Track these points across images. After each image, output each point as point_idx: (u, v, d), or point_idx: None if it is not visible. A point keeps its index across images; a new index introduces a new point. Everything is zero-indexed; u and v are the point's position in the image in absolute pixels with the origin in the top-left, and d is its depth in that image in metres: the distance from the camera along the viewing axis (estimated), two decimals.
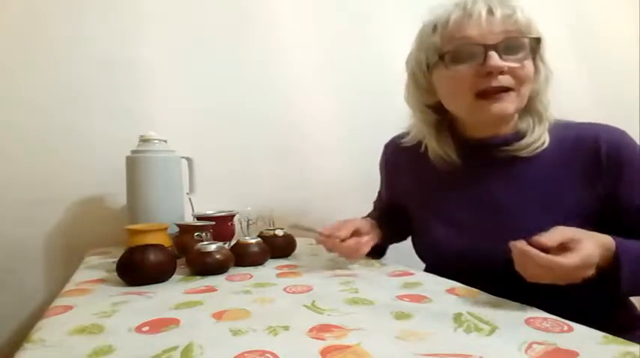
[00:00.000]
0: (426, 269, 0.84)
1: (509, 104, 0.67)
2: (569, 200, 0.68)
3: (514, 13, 0.66)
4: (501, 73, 0.65)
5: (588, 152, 0.68)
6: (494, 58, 0.64)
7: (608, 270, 0.57)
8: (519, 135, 0.71)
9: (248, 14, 1.24)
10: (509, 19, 0.65)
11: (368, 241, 0.79)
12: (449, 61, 0.68)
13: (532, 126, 0.71)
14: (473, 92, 0.67)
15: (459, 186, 0.77)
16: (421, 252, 0.86)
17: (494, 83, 0.66)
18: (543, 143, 0.70)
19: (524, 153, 0.70)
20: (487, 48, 0.64)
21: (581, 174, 0.68)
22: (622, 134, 0.69)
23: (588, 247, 0.53)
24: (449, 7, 0.69)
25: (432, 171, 0.80)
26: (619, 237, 0.59)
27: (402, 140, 0.87)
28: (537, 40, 0.67)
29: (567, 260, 0.52)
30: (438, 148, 0.78)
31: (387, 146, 0.95)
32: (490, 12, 0.66)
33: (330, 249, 0.81)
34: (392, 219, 0.90)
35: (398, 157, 0.91)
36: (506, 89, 0.66)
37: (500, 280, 0.59)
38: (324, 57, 1.30)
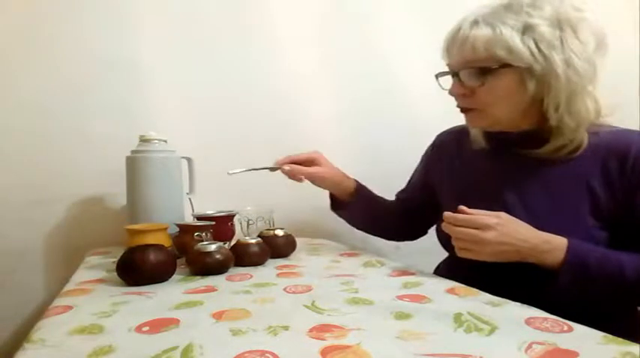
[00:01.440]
0: (447, 259, 0.89)
1: (475, 120, 0.76)
2: (587, 201, 0.68)
3: (476, 39, 0.68)
4: (464, 95, 0.73)
5: (617, 157, 0.67)
6: (452, 85, 0.74)
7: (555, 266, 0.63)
8: (543, 132, 0.71)
9: (248, 14, 1.24)
10: (467, 46, 0.69)
11: (304, 171, 0.92)
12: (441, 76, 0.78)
13: (562, 129, 0.69)
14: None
15: (482, 174, 0.80)
16: (442, 239, 0.86)
17: (460, 103, 0.76)
18: (577, 148, 0.69)
19: (554, 156, 0.71)
20: (453, 74, 0.74)
21: (604, 177, 0.67)
22: None
23: (512, 228, 0.63)
24: (453, 26, 0.74)
25: (466, 157, 0.85)
26: (580, 242, 0.64)
27: (452, 130, 0.94)
28: (501, 63, 0.67)
29: (484, 234, 0.61)
30: (475, 133, 0.83)
31: (438, 135, 0.98)
32: (460, 40, 0.70)
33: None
34: (405, 210, 0.98)
35: (443, 146, 0.94)
36: (471, 109, 0.74)
37: (511, 273, 0.63)
38: (324, 57, 1.30)
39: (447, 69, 0.77)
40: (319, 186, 0.97)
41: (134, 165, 0.96)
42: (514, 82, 0.69)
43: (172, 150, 1.00)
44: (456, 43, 0.71)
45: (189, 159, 1.05)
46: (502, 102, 0.71)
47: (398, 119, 1.33)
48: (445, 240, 0.86)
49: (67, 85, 1.09)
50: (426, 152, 1.00)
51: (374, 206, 1.00)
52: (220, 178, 1.16)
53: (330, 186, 0.97)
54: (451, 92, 0.74)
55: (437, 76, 0.78)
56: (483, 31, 0.67)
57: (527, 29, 0.66)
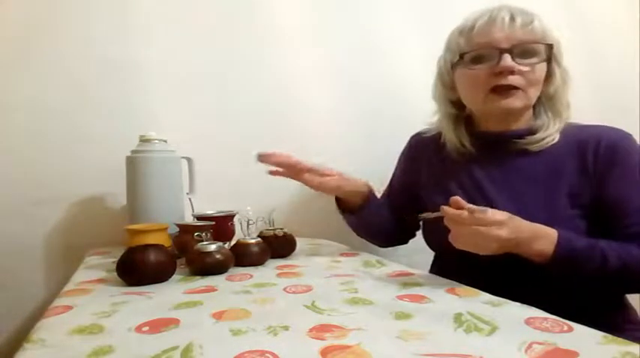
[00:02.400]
0: (435, 260, 0.91)
1: (516, 101, 0.76)
2: (567, 191, 0.74)
3: (532, 21, 0.75)
4: (512, 73, 0.74)
5: (589, 148, 0.74)
6: (506, 60, 0.74)
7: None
8: (532, 131, 0.79)
9: (248, 15, 1.24)
10: (526, 27, 0.74)
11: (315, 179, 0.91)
12: (468, 60, 0.78)
13: (547, 123, 0.79)
14: (487, 88, 0.77)
15: (470, 176, 0.84)
16: (430, 240, 0.91)
17: (505, 81, 0.75)
18: (553, 139, 0.77)
19: (533, 148, 0.77)
20: (502, 51, 0.74)
21: (579, 168, 0.74)
22: (625, 137, 0.75)
23: (517, 223, 0.65)
24: (478, 13, 0.78)
25: (448, 162, 0.88)
26: (568, 232, 0.67)
27: (426, 134, 0.97)
28: (550, 47, 0.76)
29: (498, 230, 0.63)
30: (455, 139, 0.86)
31: (412, 137, 1.04)
32: (512, 19, 0.75)
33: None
34: (391, 209, 1.00)
35: (421, 148, 0.99)
36: (515, 87, 0.75)
37: (501, 269, 0.67)
38: (324, 57, 1.30)
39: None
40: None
41: (134, 165, 0.96)
42: (544, 69, 0.77)
43: (172, 150, 1.00)
44: (510, 21, 0.75)
45: (189, 159, 1.05)
46: (537, 86, 0.77)
47: (397, 117, 1.33)
48: (435, 241, 0.88)
49: (67, 85, 1.09)
50: (403, 153, 1.04)
51: (380, 213, 0.98)
52: (220, 178, 1.16)
53: (343, 193, 0.95)
54: (504, 67, 0.74)
55: (462, 55, 0.79)
56: (539, 21, 0.76)
57: (547, 30, 0.77)
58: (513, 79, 0.75)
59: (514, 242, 0.65)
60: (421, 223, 0.97)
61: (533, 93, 0.77)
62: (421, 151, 0.97)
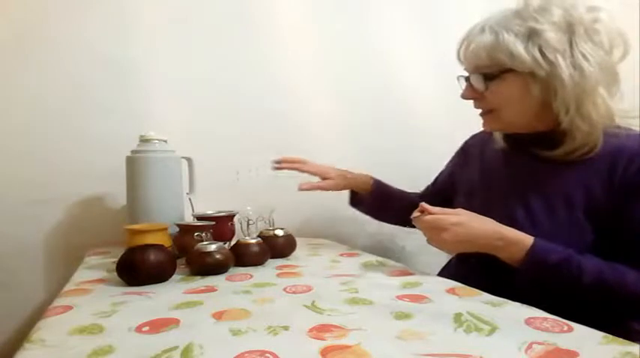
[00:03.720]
0: (453, 259, 0.91)
1: (489, 123, 0.78)
2: (584, 201, 0.67)
3: (479, 46, 0.71)
4: (476, 98, 0.76)
5: (624, 161, 0.65)
6: (464, 89, 0.77)
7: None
8: (552, 135, 0.71)
9: (248, 14, 1.24)
10: (474, 53, 0.72)
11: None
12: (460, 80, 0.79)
13: (574, 133, 0.68)
14: None
15: (502, 177, 0.81)
16: None
17: (474, 107, 0.78)
18: (590, 151, 0.68)
19: (568, 158, 0.70)
20: (465, 78, 0.76)
21: (608, 178, 0.66)
22: None
23: (467, 227, 0.68)
24: (462, 35, 0.77)
25: (489, 162, 0.86)
26: (547, 243, 0.65)
27: (481, 132, 0.93)
28: (503, 67, 0.69)
29: (442, 234, 0.68)
30: (497, 136, 0.84)
31: (467, 139, 0.99)
32: (467, 47, 0.74)
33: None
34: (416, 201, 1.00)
35: (471, 148, 0.95)
36: (487, 111, 0.76)
37: (505, 279, 0.64)
38: (324, 57, 1.30)
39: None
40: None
41: (134, 165, 0.96)
42: (518, 86, 0.70)
43: (172, 150, 1.00)
44: (465, 50, 0.75)
45: (189, 159, 1.05)
46: (510, 106, 0.72)
47: (397, 118, 1.33)
48: None
49: (67, 85, 1.09)
50: (453, 157, 1.01)
51: (392, 200, 1.03)
52: (220, 178, 1.16)
53: (346, 188, 1.03)
54: (462, 96, 0.77)
55: (458, 79, 0.79)
56: (487, 38, 0.69)
57: (532, 35, 0.67)
58: (478, 105, 0.77)
59: (470, 244, 0.69)
60: None
61: (509, 113, 0.73)
62: (469, 154, 0.95)
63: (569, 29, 0.66)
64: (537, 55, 0.66)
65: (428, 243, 0.74)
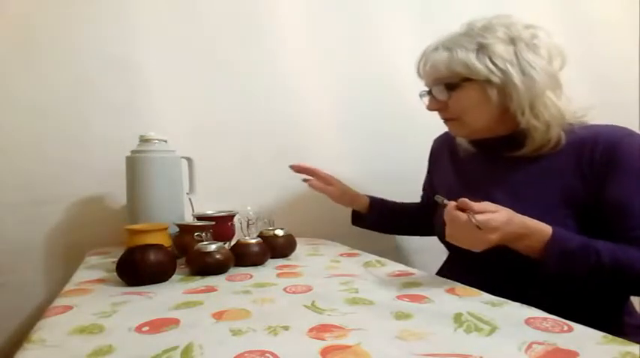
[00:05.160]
0: (448, 260, 0.93)
1: (455, 129, 0.86)
2: (560, 191, 0.73)
3: (436, 61, 0.79)
4: (439, 109, 0.83)
5: (586, 148, 0.72)
6: (429, 102, 0.85)
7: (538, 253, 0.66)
8: (515, 136, 0.78)
9: (248, 14, 1.24)
10: (432, 67, 0.80)
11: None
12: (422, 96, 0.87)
13: (532, 132, 0.76)
14: None
15: (470, 173, 0.89)
16: (442, 239, 0.91)
17: (439, 116, 0.86)
18: (551, 146, 0.75)
19: (532, 155, 0.77)
20: (427, 92, 0.85)
21: (575, 168, 0.73)
22: (625, 136, 0.72)
23: (512, 227, 0.65)
24: (418, 56, 0.85)
25: (458, 159, 0.93)
26: (564, 231, 0.67)
27: (445, 135, 1.01)
28: (461, 77, 0.77)
29: (489, 235, 0.63)
30: (461, 139, 0.92)
31: (434, 139, 1.07)
32: (425, 63, 0.82)
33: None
34: (415, 212, 1.06)
35: (439, 147, 1.04)
36: (447, 119, 0.84)
37: (498, 271, 0.67)
38: (324, 56, 1.30)
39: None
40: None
41: (134, 165, 0.96)
42: (477, 93, 0.77)
43: (172, 150, 1.00)
44: (423, 66, 0.83)
45: (189, 159, 1.05)
46: (472, 112, 0.80)
47: (398, 116, 1.33)
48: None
49: (67, 85, 1.09)
50: (428, 165, 1.09)
51: (392, 215, 1.09)
52: (220, 178, 1.16)
53: (343, 203, 1.08)
54: (428, 108, 0.85)
55: (420, 96, 0.87)
56: (442, 55, 0.78)
57: (481, 48, 0.75)
58: (444, 114, 0.84)
59: (503, 242, 0.66)
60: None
61: (472, 118, 0.80)
62: (437, 155, 1.04)
63: (513, 42, 0.75)
64: (489, 63, 0.75)
65: (448, 239, 0.68)
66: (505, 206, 0.68)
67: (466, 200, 0.66)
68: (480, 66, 0.75)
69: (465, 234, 0.65)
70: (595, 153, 0.71)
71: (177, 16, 1.19)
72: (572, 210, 0.72)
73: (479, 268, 0.72)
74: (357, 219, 1.10)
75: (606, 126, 0.75)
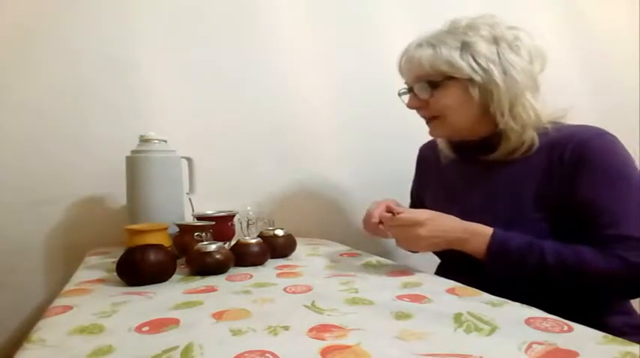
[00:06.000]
0: (441, 265, 0.93)
1: (436, 130, 0.85)
2: (533, 193, 0.73)
3: (420, 58, 0.78)
4: (421, 107, 0.82)
5: (557, 149, 0.73)
6: (409, 100, 0.84)
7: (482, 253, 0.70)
8: (490, 142, 0.79)
9: (248, 14, 1.24)
10: (413, 63, 0.79)
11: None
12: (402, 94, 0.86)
13: (509, 134, 0.76)
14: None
15: (451, 178, 0.90)
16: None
17: (420, 115, 0.85)
18: (527, 150, 0.76)
19: (507, 159, 0.78)
20: (408, 90, 0.84)
21: (546, 169, 0.73)
22: (596, 136, 0.72)
23: (439, 222, 0.72)
24: (401, 52, 0.84)
25: (441, 165, 0.93)
26: (506, 232, 0.70)
27: (429, 143, 1.01)
28: (445, 75, 0.76)
29: (418, 230, 0.70)
30: (442, 145, 0.92)
31: (420, 148, 1.07)
32: (408, 60, 0.81)
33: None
34: None
35: (423, 156, 1.04)
36: (432, 118, 0.82)
37: (500, 282, 0.64)
38: (324, 57, 1.30)
39: None
40: None
41: (134, 165, 0.96)
42: (459, 92, 0.77)
43: (172, 150, 1.00)
44: (405, 63, 0.82)
45: (189, 159, 1.05)
46: (454, 111, 0.79)
47: (398, 116, 1.32)
48: None
49: (67, 85, 1.09)
50: (416, 165, 1.08)
51: None
52: (220, 178, 1.16)
53: None
54: (408, 106, 0.84)
55: (399, 94, 0.86)
56: (426, 51, 0.77)
57: (464, 46, 0.76)
58: (423, 113, 0.83)
59: (442, 240, 0.72)
60: None
61: (455, 118, 0.80)
62: (424, 163, 1.04)
63: (496, 41, 0.76)
64: (472, 62, 0.75)
65: (397, 245, 0.78)
66: (481, 210, 0.74)
67: (390, 205, 0.82)
68: (462, 64, 0.75)
69: (404, 233, 0.74)
70: (565, 153, 0.71)
71: (177, 17, 1.19)
72: (546, 213, 0.72)
73: (467, 271, 0.70)
74: None
75: (578, 126, 0.75)
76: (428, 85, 0.79)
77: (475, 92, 0.76)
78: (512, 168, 0.77)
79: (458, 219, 0.73)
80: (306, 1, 1.30)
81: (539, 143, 0.75)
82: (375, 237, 0.95)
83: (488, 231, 0.70)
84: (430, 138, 0.96)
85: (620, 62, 1.52)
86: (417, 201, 1.06)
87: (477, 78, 0.75)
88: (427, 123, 0.85)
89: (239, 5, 1.24)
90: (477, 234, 0.71)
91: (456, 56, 0.75)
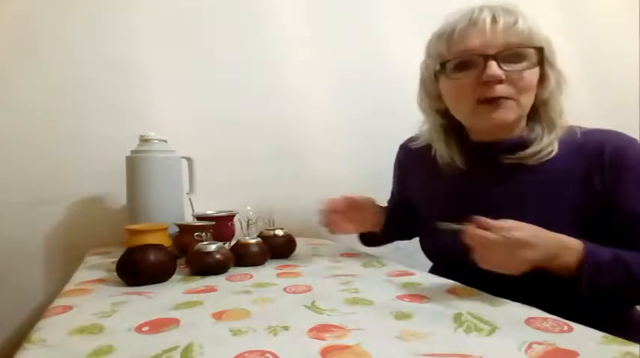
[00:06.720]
0: (432, 269, 0.87)
1: (507, 112, 0.69)
2: (566, 203, 0.68)
3: (516, 22, 0.67)
4: (500, 82, 0.67)
5: (593, 156, 0.68)
6: (492, 68, 0.66)
7: (573, 271, 0.61)
8: (525, 142, 0.72)
9: (248, 15, 1.24)
10: (510, 29, 0.67)
11: (343, 224, 0.88)
12: (450, 69, 0.71)
13: (541, 134, 0.71)
14: (474, 99, 0.70)
15: (463, 190, 0.78)
16: (427, 253, 0.88)
17: (492, 93, 0.68)
18: (551, 151, 0.70)
19: (530, 162, 0.71)
20: (486, 58, 0.67)
21: (581, 177, 0.68)
22: (631, 141, 0.69)
23: (542, 241, 0.59)
24: (458, 16, 0.71)
25: (440, 174, 0.82)
26: (592, 244, 0.62)
27: (414, 143, 0.90)
28: (540, 50, 0.68)
29: (525, 252, 0.57)
30: (445, 153, 0.80)
31: (400, 147, 0.98)
32: (494, 20, 0.67)
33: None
34: (400, 218, 0.94)
35: (409, 159, 0.94)
36: (505, 97, 0.68)
37: (500, 285, 0.60)
38: (324, 57, 1.30)
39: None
40: None
41: (134, 165, 0.96)
42: (536, 74, 0.70)
43: (172, 150, 1.00)
44: (492, 22, 0.68)
45: (189, 159, 1.05)
46: (530, 93, 0.70)
47: (398, 115, 1.32)
48: (432, 251, 0.87)
49: (67, 85, 1.09)
50: (394, 166, 1.01)
51: (390, 229, 0.95)
52: (220, 178, 1.16)
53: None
54: (490, 76, 0.67)
55: (443, 64, 0.72)
56: (527, 22, 0.68)
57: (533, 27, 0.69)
58: (502, 89, 0.68)
59: (541, 261, 0.60)
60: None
61: (526, 102, 0.70)
62: (409, 163, 0.94)
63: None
64: (546, 49, 0.69)
65: (481, 265, 0.60)
66: (509, 213, 0.63)
67: (486, 219, 0.59)
68: (550, 49, 0.70)
69: (501, 256, 0.59)
70: (603, 161, 0.67)
71: (177, 16, 1.19)
72: (576, 218, 0.68)
73: (461, 275, 0.68)
74: (371, 239, 0.98)
75: (609, 132, 0.71)
76: (521, 56, 0.68)
77: (547, 76, 0.71)
78: (541, 171, 0.71)
79: (550, 232, 0.62)
80: (306, 1, 1.30)
81: (567, 146, 0.70)
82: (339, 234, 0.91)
83: (577, 244, 0.61)
84: (388, 138, 0.93)
85: (620, 62, 1.52)
86: (399, 202, 0.98)
87: (548, 67, 0.70)
88: (494, 102, 0.69)
89: (239, 5, 1.24)
90: (570, 248, 0.61)
91: (542, 32, 0.69)
